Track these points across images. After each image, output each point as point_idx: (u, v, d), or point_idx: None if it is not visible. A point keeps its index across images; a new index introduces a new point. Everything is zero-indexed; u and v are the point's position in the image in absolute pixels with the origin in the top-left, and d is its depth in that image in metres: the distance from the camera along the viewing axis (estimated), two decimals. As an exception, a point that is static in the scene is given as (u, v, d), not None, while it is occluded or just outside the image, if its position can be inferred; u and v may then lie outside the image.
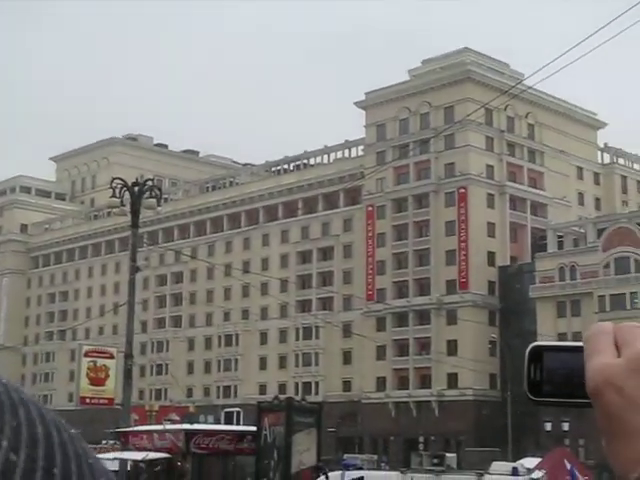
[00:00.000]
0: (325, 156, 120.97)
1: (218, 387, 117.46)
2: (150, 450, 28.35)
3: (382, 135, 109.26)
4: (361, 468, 25.33)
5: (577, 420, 77.60)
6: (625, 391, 1.02)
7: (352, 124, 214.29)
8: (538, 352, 1.16)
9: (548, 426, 64.79)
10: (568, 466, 32.10)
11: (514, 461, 34.88)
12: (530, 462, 38.87)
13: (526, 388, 1.13)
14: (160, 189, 36.00)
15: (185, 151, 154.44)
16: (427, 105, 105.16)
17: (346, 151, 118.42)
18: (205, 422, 41.77)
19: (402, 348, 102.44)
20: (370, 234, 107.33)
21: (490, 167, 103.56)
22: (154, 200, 32.92)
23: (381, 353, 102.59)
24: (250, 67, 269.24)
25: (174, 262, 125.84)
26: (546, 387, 1.13)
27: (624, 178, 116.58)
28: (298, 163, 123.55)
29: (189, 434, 28.06)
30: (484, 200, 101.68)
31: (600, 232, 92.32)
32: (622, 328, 1.08)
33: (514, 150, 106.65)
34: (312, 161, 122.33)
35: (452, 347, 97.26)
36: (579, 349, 1.09)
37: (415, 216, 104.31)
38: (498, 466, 26.11)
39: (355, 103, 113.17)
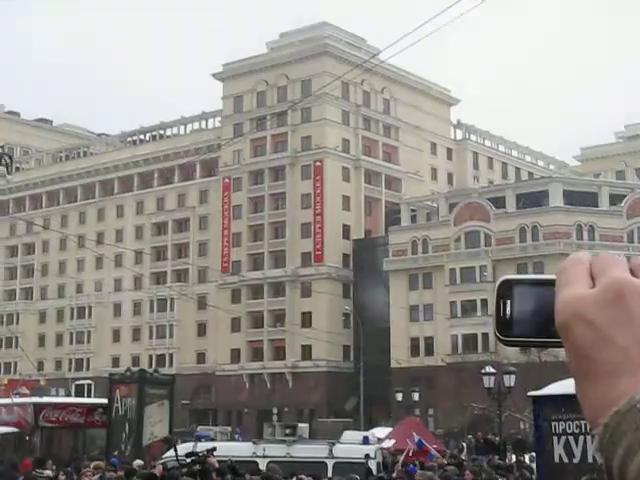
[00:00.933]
0: (182, 127, 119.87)
1: (70, 360, 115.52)
2: (-3, 424, 27.75)
3: (239, 107, 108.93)
4: (213, 439, 25.42)
5: (427, 390, 79.54)
6: (596, 325, 0.88)
7: (209, 96, 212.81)
8: (508, 287, 1.03)
9: (399, 396, 66.00)
10: (416, 438, 32.95)
11: (367, 431, 35.53)
12: (382, 432, 39.65)
13: (495, 327, 1.02)
14: (11, 157, 35.15)
15: (38, 119, 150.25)
16: (285, 78, 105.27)
17: (203, 122, 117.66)
18: (57, 395, 40.98)
19: (257, 320, 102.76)
20: (226, 206, 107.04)
21: (346, 141, 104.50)
22: (3, 168, 32.15)
23: (236, 325, 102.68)
24: (106, 36, 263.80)
25: (25, 233, 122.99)
26: (516, 326, 1.01)
27: (475, 154, 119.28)
28: (154, 134, 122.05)
29: (37, 407, 27.59)
30: (339, 173, 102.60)
31: (452, 207, 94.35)
32: (599, 257, 0.95)
33: (370, 124, 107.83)
34: (168, 132, 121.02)
35: (306, 319, 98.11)
36: (553, 283, 0.98)
37: (271, 189, 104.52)
38: (349, 435, 26.55)
39: (212, 75, 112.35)
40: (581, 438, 9.94)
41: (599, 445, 0.86)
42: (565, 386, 10.76)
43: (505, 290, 1.04)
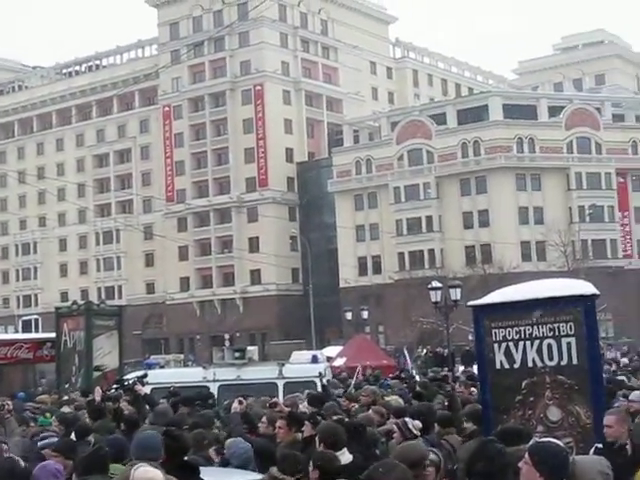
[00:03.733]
0: (118, 56, 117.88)
1: (18, 297, 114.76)
2: (-57, 365, 27.53)
3: (176, 34, 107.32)
4: (163, 367, 25.57)
5: (376, 308, 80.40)
6: None
7: (144, 23, 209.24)
8: None
9: (349, 315, 66.49)
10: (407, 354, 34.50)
11: (318, 350, 35.93)
12: (333, 350, 40.15)
13: None
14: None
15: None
16: (220, 2, 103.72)
17: (139, 51, 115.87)
18: (5, 333, 40.82)
19: (204, 247, 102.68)
20: (167, 135, 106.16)
21: (285, 64, 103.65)
22: None
23: (183, 253, 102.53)
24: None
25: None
26: None
27: (415, 72, 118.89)
28: (90, 64, 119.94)
29: (-16, 345, 27.40)
30: (280, 97, 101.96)
31: (394, 125, 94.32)
32: None
33: (308, 46, 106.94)
34: (104, 62, 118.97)
35: (254, 244, 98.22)
36: None
37: (212, 115, 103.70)
38: (298, 355, 26.75)
39: (146, 1, 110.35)
40: (520, 344, 10.10)
41: None
42: (503, 294, 10.92)
43: None
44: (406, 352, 36.72)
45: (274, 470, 7.72)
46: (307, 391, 17.01)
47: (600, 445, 8.68)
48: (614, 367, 28.31)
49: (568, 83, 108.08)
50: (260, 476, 8.75)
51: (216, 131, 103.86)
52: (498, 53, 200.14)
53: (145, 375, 16.13)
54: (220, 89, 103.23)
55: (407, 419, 10.28)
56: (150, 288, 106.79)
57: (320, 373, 20.75)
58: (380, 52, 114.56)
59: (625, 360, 37.07)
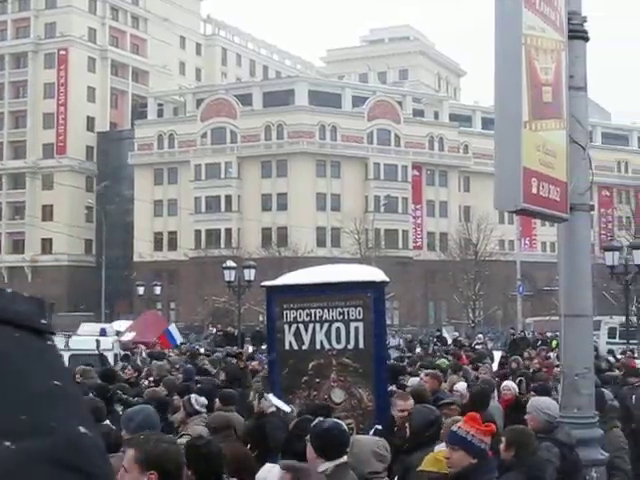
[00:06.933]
0: None
1: None
2: None
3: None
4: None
5: (169, 284, 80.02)
6: None
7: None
8: None
9: (141, 290, 65.87)
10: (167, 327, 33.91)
11: (107, 324, 35.46)
12: (123, 324, 39.66)
13: None
14: None
15: None
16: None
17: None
18: None
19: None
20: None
21: (92, 30, 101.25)
22: None
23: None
24: None
25: None
26: None
27: (224, 50, 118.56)
28: None
29: None
30: (85, 64, 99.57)
31: (199, 102, 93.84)
32: None
33: (117, 15, 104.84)
34: None
35: (47, 212, 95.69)
36: None
37: (12, 76, 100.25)
38: (87, 327, 26.43)
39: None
40: (310, 326, 10.31)
41: None
42: (297, 276, 11.12)
43: None
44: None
45: None
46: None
47: (380, 427, 8.99)
48: (397, 354, 29.25)
49: (373, 75, 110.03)
50: None
51: (15, 93, 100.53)
52: (308, 39, 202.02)
53: None
54: (22, 50, 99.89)
55: (193, 396, 10.36)
56: None
57: (98, 341, 20.57)
58: (191, 27, 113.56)
59: (396, 341, 38.65)
